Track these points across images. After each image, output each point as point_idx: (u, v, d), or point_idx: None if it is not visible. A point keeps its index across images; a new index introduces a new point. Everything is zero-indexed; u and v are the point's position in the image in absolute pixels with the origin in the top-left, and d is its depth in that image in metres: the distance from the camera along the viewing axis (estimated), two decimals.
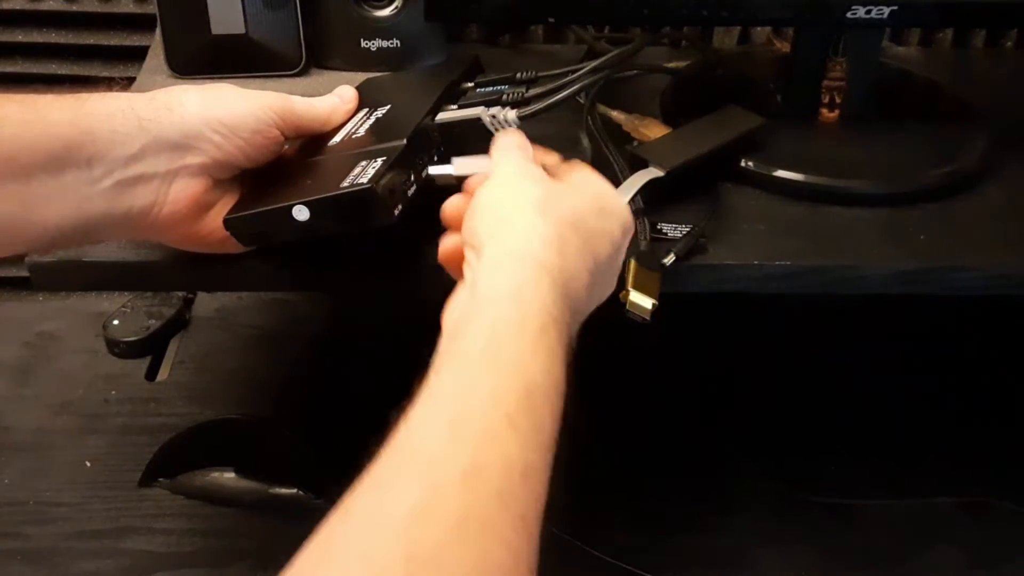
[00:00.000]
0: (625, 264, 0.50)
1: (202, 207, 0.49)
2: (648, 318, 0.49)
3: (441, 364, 0.36)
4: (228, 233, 0.50)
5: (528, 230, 0.41)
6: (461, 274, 0.44)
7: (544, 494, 0.34)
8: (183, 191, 0.48)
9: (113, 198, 0.46)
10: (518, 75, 0.57)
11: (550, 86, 0.56)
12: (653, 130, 0.64)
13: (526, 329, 0.37)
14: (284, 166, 0.53)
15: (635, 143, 0.63)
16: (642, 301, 0.49)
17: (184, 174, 0.48)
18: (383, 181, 0.47)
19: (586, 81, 0.58)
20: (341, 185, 0.47)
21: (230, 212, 0.50)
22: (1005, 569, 0.69)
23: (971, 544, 0.70)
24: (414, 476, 0.32)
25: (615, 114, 0.67)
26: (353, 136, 0.54)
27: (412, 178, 0.50)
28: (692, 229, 0.56)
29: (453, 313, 0.42)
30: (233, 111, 0.49)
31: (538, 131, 0.52)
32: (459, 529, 0.30)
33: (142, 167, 0.47)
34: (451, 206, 0.46)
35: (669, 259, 0.54)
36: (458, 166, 0.50)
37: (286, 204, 0.48)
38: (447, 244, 0.46)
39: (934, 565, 0.69)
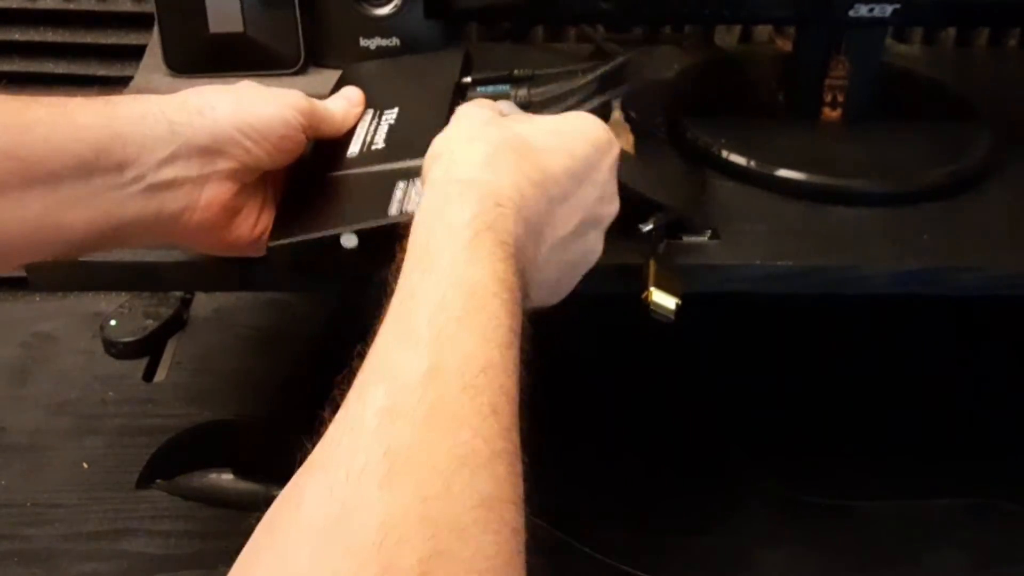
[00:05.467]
0: (644, 267, 0.50)
1: (231, 212, 0.49)
2: (672, 318, 0.49)
3: (390, 293, 0.38)
4: (254, 238, 0.50)
5: (456, 158, 0.42)
6: None
7: (513, 389, 0.35)
8: (216, 196, 0.48)
9: (144, 202, 0.46)
10: (515, 72, 0.57)
11: (558, 91, 0.56)
12: (622, 139, 0.63)
13: (457, 238, 0.38)
14: (313, 179, 0.52)
15: None
16: (665, 301, 0.49)
17: (215, 179, 0.47)
18: None
19: (596, 74, 0.57)
20: (390, 213, 0.47)
21: (272, 238, 0.49)
22: (1006, 570, 0.69)
23: (973, 545, 0.70)
24: (379, 384, 0.33)
25: (616, 113, 0.66)
26: (372, 147, 0.53)
27: None
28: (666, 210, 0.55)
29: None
30: (262, 115, 0.48)
31: None
32: (429, 422, 0.32)
33: (173, 171, 0.46)
34: None
35: (662, 246, 0.54)
36: None
37: (333, 232, 0.47)
38: None
39: (935, 566, 0.69)
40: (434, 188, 0.41)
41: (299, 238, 0.49)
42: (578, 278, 0.48)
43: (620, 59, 0.60)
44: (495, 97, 0.55)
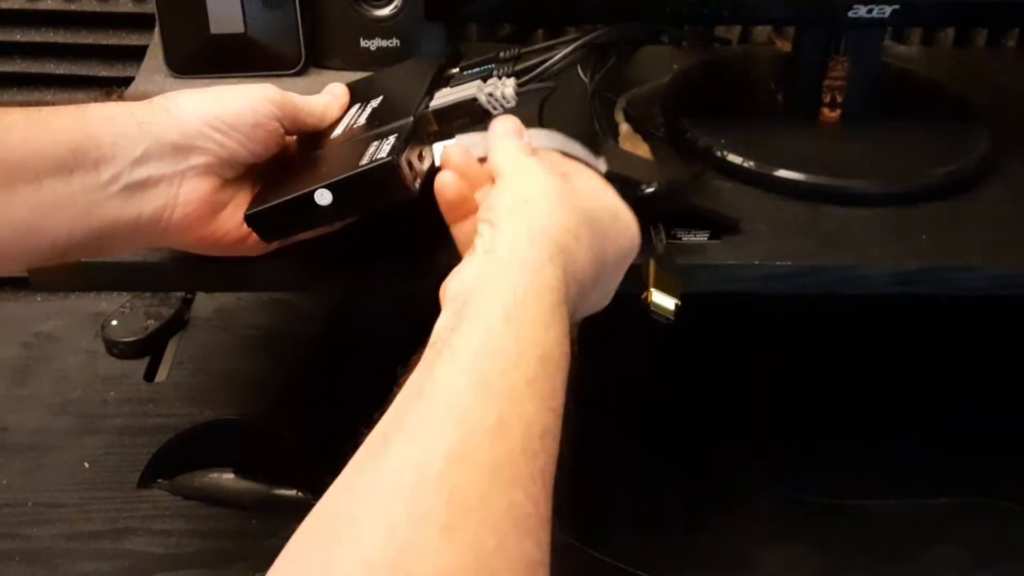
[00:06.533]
0: (644, 267, 0.50)
1: (214, 207, 0.49)
2: (672, 318, 0.49)
3: (461, 323, 0.38)
4: (243, 234, 0.50)
5: (549, 214, 0.42)
6: (465, 246, 0.46)
7: (556, 456, 0.36)
8: (194, 192, 0.48)
9: (122, 203, 0.46)
10: (501, 54, 0.57)
11: (542, 58, 0.56)
12: (639, 150, 0.63)
13: (544, 299, 0.39)
14: (293, 161, 0.53)
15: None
16: (665, 301, 0.49)
17: (191, 175, 0.48)
18: (401, 154, 0.47)
19: (581, 42, 0.57)
20: (360, 164, 0.47)
21: (249, 208, 0.50)
22: (1006, 569, 0.69)
23: (972, 544, 0.70)
24: (448, 425, 0.34)
25: (624, 127, 0.66)
26: (354, 126, 0.54)
27: (423, 153, 0.50)
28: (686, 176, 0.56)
29: (464, 278, 0.41)
30: (230, 107, 0.49)
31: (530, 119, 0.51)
32: (493, 477, 0.33)
33: (148, 170, 0.46)
34: (443, 182, 0.46)
35: (662, 247, 0.54)
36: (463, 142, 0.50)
37: (307, 190, 0.48)
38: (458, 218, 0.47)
39: (934, 566, 0.69)
40: (528, 238, 0.41)
41: (273, 203, 0.49)
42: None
43: (601, 30, 0.60)
44: (482, 75, 0.55)
